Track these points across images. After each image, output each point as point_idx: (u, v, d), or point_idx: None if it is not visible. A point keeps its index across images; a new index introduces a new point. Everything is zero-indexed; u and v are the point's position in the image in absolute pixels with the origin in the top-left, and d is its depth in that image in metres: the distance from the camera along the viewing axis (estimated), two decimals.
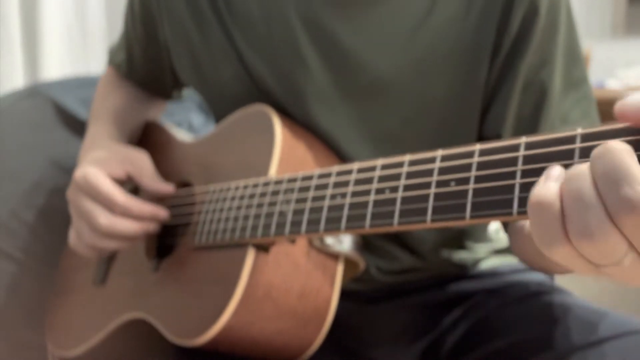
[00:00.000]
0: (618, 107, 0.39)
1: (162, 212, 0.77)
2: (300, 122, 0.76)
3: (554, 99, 0.72)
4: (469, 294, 0.82)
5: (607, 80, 2.19)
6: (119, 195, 0.75)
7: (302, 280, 0.68)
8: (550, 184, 0.39)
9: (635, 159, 0.35)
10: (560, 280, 0.88)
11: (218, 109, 0.85)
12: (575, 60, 0.74)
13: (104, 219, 0.74)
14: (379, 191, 0.53)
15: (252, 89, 0.79)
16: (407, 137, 0.75)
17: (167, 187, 0.80)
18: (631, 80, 2.09)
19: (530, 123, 0.72)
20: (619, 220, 0.35)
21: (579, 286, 1.05)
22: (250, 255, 0.65)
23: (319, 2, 0.73)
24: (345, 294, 0.73)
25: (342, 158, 0.76)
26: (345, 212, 0.55)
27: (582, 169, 0.37)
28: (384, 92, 0.73)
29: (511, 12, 0.70)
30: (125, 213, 0.75)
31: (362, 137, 0.75)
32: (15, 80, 1.71)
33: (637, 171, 0.35)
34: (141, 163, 0.81)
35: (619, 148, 0.36)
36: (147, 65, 0.94)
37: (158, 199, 0.81)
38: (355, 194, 0.55)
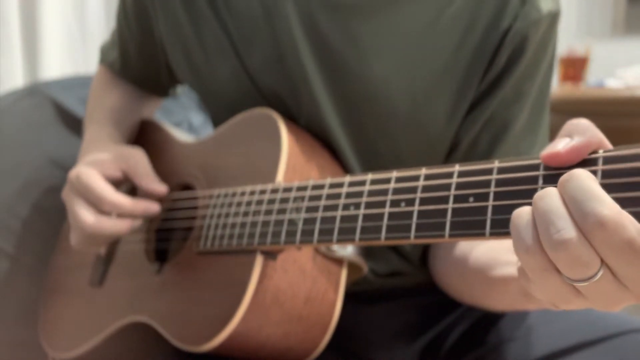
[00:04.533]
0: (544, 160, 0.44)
1: (154, 207, 0.77)
2: (296, 122, 0.76)
3: (513, 135, 0.74)
4: None
5: (607, 80, 2.19)
6: (110, 194, 0.75)
7: (308, 285, 0.68)
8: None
9: (597, 183, 0.38)
10: None
11: (213, 106, 0.84)
12: (543, 107, 0.76)
13: (90, 218, 0.74)
14: (394, 203, 0.52)
15: (248, 87, 0.78)
16: (389, 151, 0.75)
17: (161, 187, 0.78)
18: (631, 80, 2.08)
19: (483, 155, 0.74)
20: (589, 235, 0.37)
21: None
22: (259, 262, 0.65)
23: (317, 4, 0.73)
24: (344, 296, 0.73)
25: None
26: (360, 223, 0.54)
27: (549, 190, 0.40)
28: (374, 102, 0.73)
29: (502, 46, 0.71)
30: (116, 211, 0.75)
31: (348, 144, 0.75)
32: (15, 79, 1.70)
33: (602, 193, 0.38)
34: (136, 160, 0.79)
35: (585, 174, 0.39)
36: (142, 62, 0.93)
37: (157, 200, 0.80)
38: (369, 205, 0.54)
